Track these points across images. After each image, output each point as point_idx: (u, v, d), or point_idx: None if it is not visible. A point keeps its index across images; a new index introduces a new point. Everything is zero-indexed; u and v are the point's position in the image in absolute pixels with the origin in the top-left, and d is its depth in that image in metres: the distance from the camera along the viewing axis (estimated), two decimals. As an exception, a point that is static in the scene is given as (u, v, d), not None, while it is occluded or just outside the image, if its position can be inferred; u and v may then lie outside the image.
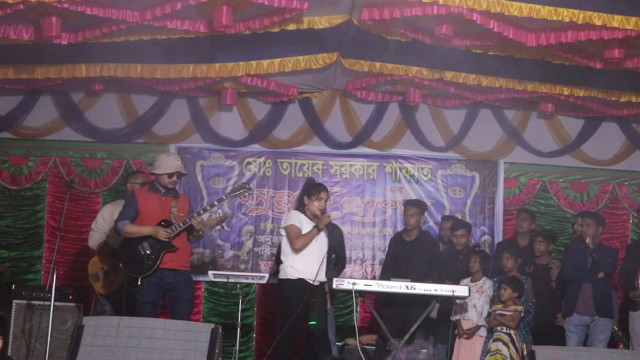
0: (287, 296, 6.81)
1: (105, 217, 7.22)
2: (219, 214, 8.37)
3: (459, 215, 8.70)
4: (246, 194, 7.03)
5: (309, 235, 6.78)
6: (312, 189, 6.98)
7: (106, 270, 7.05)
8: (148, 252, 6.37)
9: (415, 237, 7.72)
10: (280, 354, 6.80)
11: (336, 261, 7.69)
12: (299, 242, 6.77)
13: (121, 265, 6.39)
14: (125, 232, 6.44)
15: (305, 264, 6.78)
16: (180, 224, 6.44)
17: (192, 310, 6.77)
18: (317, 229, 6.79)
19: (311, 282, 6.74)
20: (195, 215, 6.50)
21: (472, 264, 7.41)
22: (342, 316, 8.59)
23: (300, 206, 7.00)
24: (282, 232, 6.97)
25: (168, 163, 6.59)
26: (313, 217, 6.89)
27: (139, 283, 6.31)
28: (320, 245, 6.86)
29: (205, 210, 6.64)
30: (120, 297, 6.90)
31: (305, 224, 6.87)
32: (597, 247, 7.43)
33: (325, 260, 6.83)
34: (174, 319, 6.10)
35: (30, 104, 8.68)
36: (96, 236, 7.22)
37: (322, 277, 6.84)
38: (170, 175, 6.55)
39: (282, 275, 6.85)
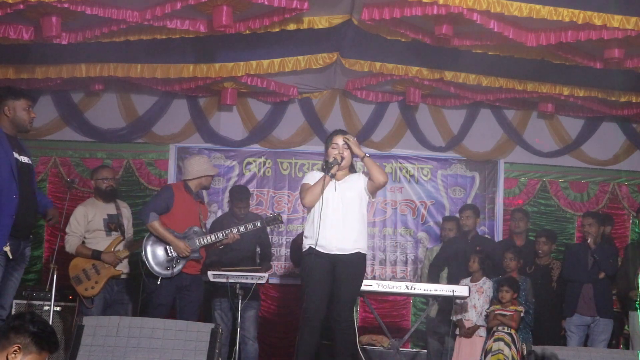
0: (300, 271, 5.69)
1: (80, 220, 7.03)
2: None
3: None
4: (278, 224, 7.19)
5: (316, 183, 5.45)
6: (327, 139, 5.71)
7: (88, 272, 6.92)
8: (175, 255, 6.35)
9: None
10: (302, 343, 5.39)
11: (262, 255, 7.66)
12: (305, 193, 5.51)
13: (144, 260, 6.35)
14: (150, 226, 6.37)
15: (313, 230, 5.45)
16: (213, 238, 6.51)
17: (200, 311, 6.78)
18: (328, 175, 5.44)
19: (322, 249, 5.40)
20: (234, 231, 6.59)
21: (471, 264, 7.41)
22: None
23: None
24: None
25: (210, 164, 6.83)
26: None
27: (158, 282, 6.29)
28: (328, 204, 5.45)
29: (239, 230, 6.65)
30: (105, 297, 6.91)
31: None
32: (598, 247, 7.42)
33: (346, 224, 5.54)
34: (182, 318, 6.07)
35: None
36: (73, 240, 7.01)
37: (346, 246, 5.52)
38: (212, 177, 6.79)
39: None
